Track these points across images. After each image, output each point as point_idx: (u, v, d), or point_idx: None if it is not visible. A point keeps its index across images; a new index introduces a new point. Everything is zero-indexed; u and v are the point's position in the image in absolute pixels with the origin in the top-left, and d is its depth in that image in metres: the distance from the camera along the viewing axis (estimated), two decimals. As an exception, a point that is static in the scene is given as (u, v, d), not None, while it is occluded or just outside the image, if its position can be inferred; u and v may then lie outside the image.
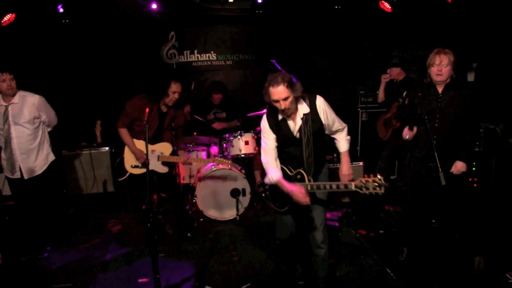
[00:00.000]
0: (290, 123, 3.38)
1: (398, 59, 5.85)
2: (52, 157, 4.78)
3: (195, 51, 7.32)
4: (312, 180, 3.32)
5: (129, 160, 4.76)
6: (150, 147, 4.59)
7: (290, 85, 3.17)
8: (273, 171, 3.35)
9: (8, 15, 5.80)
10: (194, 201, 5.53)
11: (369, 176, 2.98)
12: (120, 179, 4.87)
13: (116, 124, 4.68)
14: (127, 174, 4.81)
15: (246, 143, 5.74)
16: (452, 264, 4.10)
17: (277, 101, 3.19)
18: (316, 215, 3.46)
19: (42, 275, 4.23)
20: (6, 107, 4.41)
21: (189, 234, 4.98)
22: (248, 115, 6.01)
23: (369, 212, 5.62)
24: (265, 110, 5.57)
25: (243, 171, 5.76)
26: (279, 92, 3.14)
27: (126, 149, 4.76)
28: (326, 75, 7.41)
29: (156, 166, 4.71)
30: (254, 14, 6.91)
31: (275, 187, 3.40)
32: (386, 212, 5.58)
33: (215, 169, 5.45)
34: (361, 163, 6.05)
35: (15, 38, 6.21)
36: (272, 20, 7.09)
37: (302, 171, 3.35)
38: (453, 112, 3.74)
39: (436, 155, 3.42)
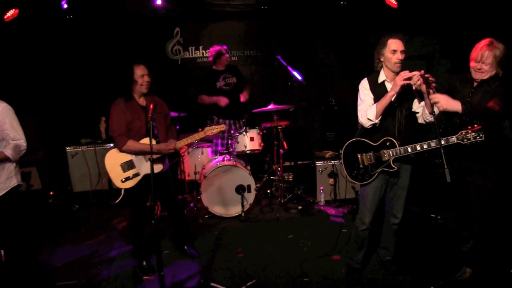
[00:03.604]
0: (389, 86, 3.44)
1: None
2: (14, 182, 3.77)
3: (200, 47, 7.30)
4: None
5: (117, 176, 4.07)
6: None
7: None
8: (371, 108, 3.40)
9: (11, 10, 5.78)
10: (199, 197, 5.51)
11: (467, 129, 3.13)
12: (115, 202, 4.29)
13: (117, 147, 4.04)
14: (122, 192, 4.23)
15: (252, 139, 5.69)
16: (454, 262, 3.97)
17: (395, 51, 3.32)
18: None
19: (46, 272, 4.22)
20: None
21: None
22: (254, 111, 5.95)
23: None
24: (270, 106, 5.61)
25: (248, 167, 5.73)
26: (399, 43, 3.34)
27: (108, 165, 4.06)
28: (333, 71, 7.35)
29: (147, 168, 3.94)
30: (259, 10, 6.88)
31: (350, 156, 3.53)
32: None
33: (220, 165, 5.42)
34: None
35: (17, 34, 6.19)
36: (277, 16, 7.05)
37: (391, 138, 3.42)
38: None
39: (442, 152, 3.27)
